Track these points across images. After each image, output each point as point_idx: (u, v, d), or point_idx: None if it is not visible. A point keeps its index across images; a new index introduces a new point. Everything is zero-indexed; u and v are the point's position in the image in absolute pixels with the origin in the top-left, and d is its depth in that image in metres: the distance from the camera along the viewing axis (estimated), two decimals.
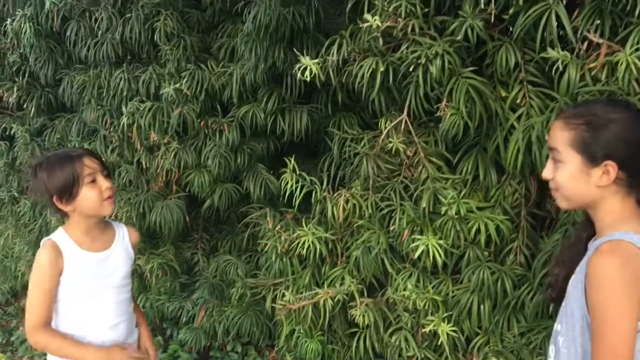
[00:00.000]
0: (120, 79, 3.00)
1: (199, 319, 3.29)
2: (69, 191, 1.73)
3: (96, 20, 3.12)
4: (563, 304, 1.37)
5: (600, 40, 1.77)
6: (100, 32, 3.10)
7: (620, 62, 1.68)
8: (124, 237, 1.96)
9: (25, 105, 3.70)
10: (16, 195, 4.11)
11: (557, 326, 1.39)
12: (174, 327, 3.65)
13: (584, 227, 1.42)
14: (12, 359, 3.94)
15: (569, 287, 1.33)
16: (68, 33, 3.22)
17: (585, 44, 1.81)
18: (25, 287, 4.61)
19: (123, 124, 2.98)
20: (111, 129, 3.15)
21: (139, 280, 3.56)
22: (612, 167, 1.23)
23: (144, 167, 3.13)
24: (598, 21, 1.78)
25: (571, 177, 1.28)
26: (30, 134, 3.69)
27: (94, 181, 1.76)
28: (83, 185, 1.74)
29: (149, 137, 2.96)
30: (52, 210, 1.81)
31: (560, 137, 1.29)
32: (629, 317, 1.15)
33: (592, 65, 1.78)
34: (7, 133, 3.94)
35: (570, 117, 1.29)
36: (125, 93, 3.00)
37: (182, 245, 3.57)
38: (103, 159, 1.90)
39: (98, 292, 1.85)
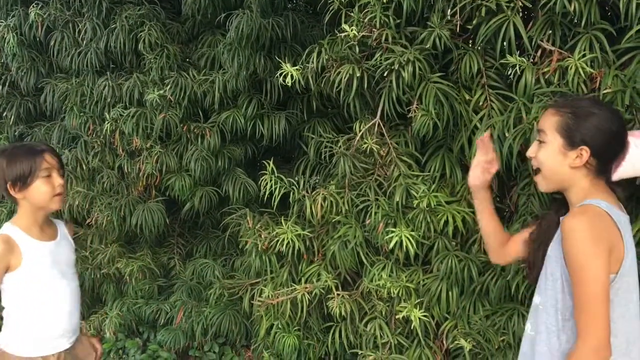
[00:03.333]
0: (105, 86, 3.12)
1: (177, 320, 3.38)
2: (23, 180, 1.85)
3: (80, 31, 3.24)
4: (542, 270, 1.57)
5: (552, 48, 2.00)
6: (84, 42, 3.22)
7: (570, 66, 1.91)
8: (63, 230, 2.09)
9: (4, 114, 3.76)
10: None
11: (536, 297, 1.59)
12: (150, 330, 3.73)
13: (557, 208, 1.64)
14: None
15: (549, 252, 1.54)
16: (52, 43, 3.32)
17: (539, 51, 2.05)
18: None
19: (106, 129, 3.10)
20: (93, 135, 3.25)
21: (114, 286, 3.63)
22: (585, 152, 1.46)
23: (125, 171, 3.23)
24: (550, 31, 2.02)
25: (551, 155, 1.51)
26: (9, 142, 3.75)
27: (49, 176, 1.89)
28: (38, 178, 1.86)
29: (132, 142, 3.08)
30: (8, 197, 1.92)
31: (549, 121, 1.52)
32: (600, 262, 1.35)
33: (545, 70, 2.01)
34: None
35: (561, 106, 1.52)
36: (109, 100, 3.11)
37: (159, 250, 3.67)
38: (62, 158, 2.02)
39: (53, 280, 1.95)
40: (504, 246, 1.83)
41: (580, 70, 1.90)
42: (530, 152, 1.59)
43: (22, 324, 1.92)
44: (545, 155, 1.52)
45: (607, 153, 1.47)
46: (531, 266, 1.67)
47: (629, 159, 1.48)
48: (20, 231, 1.89)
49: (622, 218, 1.45)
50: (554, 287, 1.49)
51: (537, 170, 1.59)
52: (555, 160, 1.50)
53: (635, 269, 1.46)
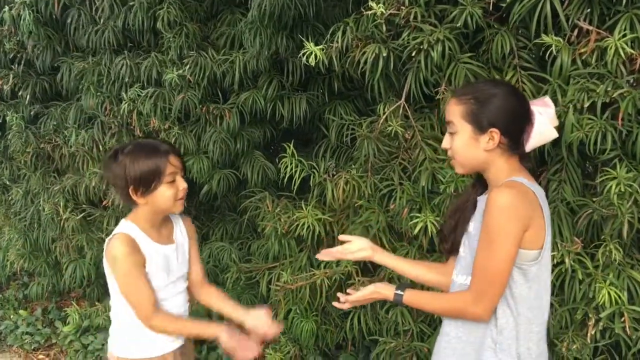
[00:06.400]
0: (122, 66, 3.06)
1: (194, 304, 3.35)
2: (147, 184, 1.72)
3: (97, 8, 3.18)
4: (462, 253, 1.59)
5: (590, 28, 1.92)
6: (101, 20, 3.16)
7: (610, 47, 1.83)
8: (181, 231, 1.95)
9: (20, 93, 3.73)
10: (7, 183, 4.12)
11: (454, 275, 1.62)
12: None
13: (474, 186, 1.65)
14: (1, 348, 3.95)
15: (471, 230, 1.55)
16: (68, 20, 3.27)
17: (576, 31, 1.96)
18: (10, 277, 4.61)
19: (123, 110, 3.05)
20: (110, 116, 3.21)
21: None
22: (496, 133, 1.47)
23: None
24: (588, 10, 1.93)
25: (464, 144, 1.52)
26: (24, 122, 3.72)
27: (173, 181, 1.76)
28: (163, 183, 1.73)
29: (149, 123, 3.03)
30: (124, 199, 1.79)
31: (455, 111, 1.52)
32: (513, 242, 1.41)
33: (582, 50, 1.93)
34: None
35: (462, 95, 1.53)
36: (126, 79, 3.06)
37: None
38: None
39: (169, 285, 1.86)
40: (448, 273, 1.73)
41: (621, 50, 1.82)
42: (444, 145, 1.59)
43: (136, 326, 1.82)
44: (459, 145, 1.52)
45: (516, 129, 1.50)
46: (444, 239, 1.69)
47: (537, 127, 1.52)
48: (141, 232, 1.78)
49: (541, 194, 1.50)
50: None
51: (453, 157, 1.59)
52: (469, 147, 1.51)
53: (551, 243, 1.54)
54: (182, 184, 1.78)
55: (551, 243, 1.52)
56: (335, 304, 1.74)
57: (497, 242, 1.41)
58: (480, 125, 1.47)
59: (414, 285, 1.75)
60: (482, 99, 1.48)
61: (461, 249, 1.61)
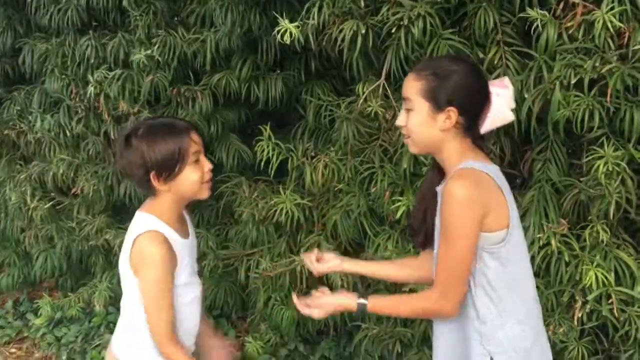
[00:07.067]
0: (87, 46, 2.94)
1: None
2: (170, 168, 1.53)
3: None
4: (436, 249, 1.51)
5: (577, 1, 1.85)
6: None
7: (597, 20, 1.76)
8: (189, 219, 1.78)
9: None
10: None
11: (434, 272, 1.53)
12: None
13: (434, 172, 1.59)
14: None
15: (437, 224, 1.49)
16: None
17: (562, 4, 1.89)
18: None
19: (90, 93, 2.93)
20: (77, 99, 3.08)
21: (104, 258, 3.49)
22: (453, 112, 1.41)
23: (112, 138, 3.07)
24: None
25: (420, 122, 1.45)
26: None
27: (197, 161, 1.58)
28: (187, 165, 1.55)
29: (118, 106, 2.91)
30: (142, 187, 1.61)
31: (413, 87, 1.46)
32: (470, 233, 1.37)
33: (568, 24, 1.86)
34: None
35: (421, 70, 1.47)
36: (92, 61, 2.95)
37: None
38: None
39: (193, 284, 1.71)
40: (421, 266, 1.69)
41: (609, 24, 1.75)
42: (399, 122, 1.52)
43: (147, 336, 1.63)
44: (415, 123, 1.46)
45: (473, 109, 1.46)
46: (416, 233, 1.66)
47: (493, 109, 1.48)
48: (167, 226, 1.59)
49: (497, 172, 1.46)
50: None
51: (407, 136, 1.53)
52: (425, 126, 1.45)
53: (519, 220, 1.50)
54: (207, 164, 1.61)
55: (519, 219, 1.48)
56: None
57: (454, 236, 1.37)
58: (438, 103, 1.41)
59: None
60: (441, 75, 1.42)
61: (435, 244, 1.53)
